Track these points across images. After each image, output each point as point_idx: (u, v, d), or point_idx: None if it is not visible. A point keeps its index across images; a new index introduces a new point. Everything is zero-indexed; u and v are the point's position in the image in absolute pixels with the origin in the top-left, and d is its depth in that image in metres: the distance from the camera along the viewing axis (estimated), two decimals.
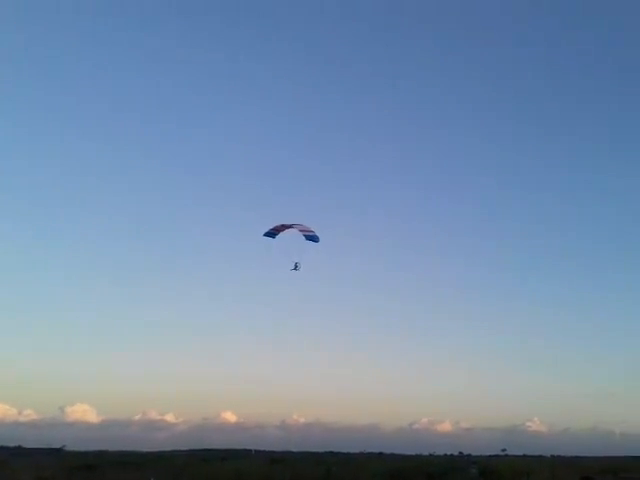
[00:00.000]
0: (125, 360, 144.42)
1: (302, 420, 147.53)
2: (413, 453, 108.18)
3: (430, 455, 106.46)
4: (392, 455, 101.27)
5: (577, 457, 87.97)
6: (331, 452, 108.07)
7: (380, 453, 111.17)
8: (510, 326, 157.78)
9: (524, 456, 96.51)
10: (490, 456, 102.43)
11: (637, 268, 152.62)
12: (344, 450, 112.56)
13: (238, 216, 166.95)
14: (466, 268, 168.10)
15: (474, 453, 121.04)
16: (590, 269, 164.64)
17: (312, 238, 20.01)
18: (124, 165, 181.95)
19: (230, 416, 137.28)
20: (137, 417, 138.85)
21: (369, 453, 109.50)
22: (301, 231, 20.70)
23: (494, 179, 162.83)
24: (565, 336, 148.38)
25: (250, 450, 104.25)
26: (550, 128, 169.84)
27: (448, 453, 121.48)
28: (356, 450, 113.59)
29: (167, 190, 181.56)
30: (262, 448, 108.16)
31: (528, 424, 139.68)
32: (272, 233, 20.61)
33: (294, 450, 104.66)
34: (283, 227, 20.42)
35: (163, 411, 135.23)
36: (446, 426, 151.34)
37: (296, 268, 20.13)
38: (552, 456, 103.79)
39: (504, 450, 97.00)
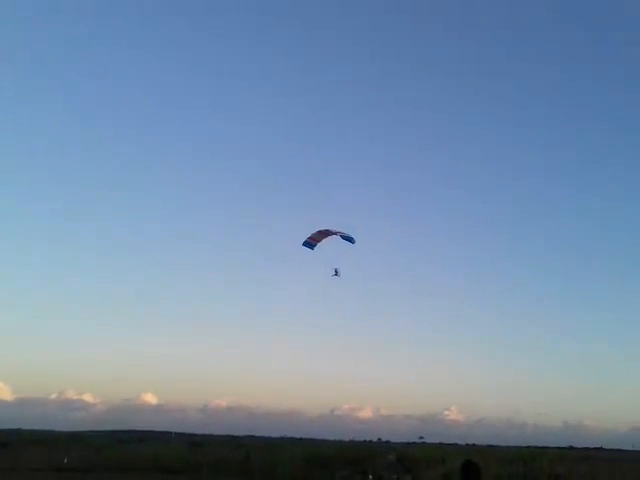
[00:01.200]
0: (43, 339, 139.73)
1: (224, 404, 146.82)
2: (334, 439, 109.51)
3: (350, 441, 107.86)
4: (312, 440, 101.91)
5: (491, 446, 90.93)
6: (252, 436, 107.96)
7: (300, 438, 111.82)
8: (431, 316, 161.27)
9: (440, 444, 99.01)
10: (408, 443, 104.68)
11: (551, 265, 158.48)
12: (265, 434, 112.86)
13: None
14: (387, 257, 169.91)
15: (393, 440, 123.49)
16: (505, 263, 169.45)
17: (349, 239, 19.89)
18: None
19: (151, 398, 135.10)
20: (53, 396, 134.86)
21: (290, 438, 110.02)
22: (339, 234, 20.00)
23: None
24: (483, 328, 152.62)
25: (170, 433, 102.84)
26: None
27: (368, 439, 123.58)
28: (277, 435, 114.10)
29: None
30: (182, 431, 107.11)
31: (446, 413, 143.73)
32: (310, 244, 19.60)
33: (215, 433, 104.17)
34: (320, 234, 19.83)
35: (81, 391, 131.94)
36: (367, 413, 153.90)
37: (337, 274, 19.79)
38: (467, 444, 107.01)
39: (422, 438, 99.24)
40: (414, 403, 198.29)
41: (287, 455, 44.58)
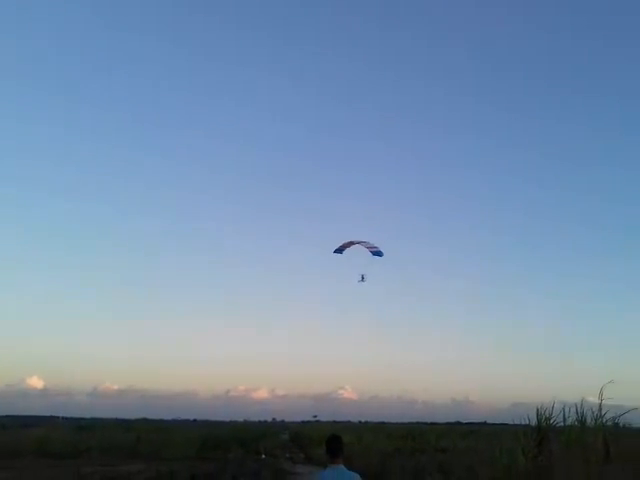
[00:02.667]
0: None
1: (115, 387, 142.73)
2: (228, 420, 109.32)
3: (244, 422, 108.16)
4: (207, 422, 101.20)
5: (383, 423, 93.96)
6: (144, 419, 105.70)
7: (195, 420, 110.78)
8: (322, 295, 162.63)
9: (334, 422, 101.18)
10: (303, 422, 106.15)
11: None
12: (158, 417, 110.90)
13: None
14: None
15: (287, 419, 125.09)
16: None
17: (377, 253, 21.75)
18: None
19: (36, 382, 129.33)
20: None
21: (184, 420, 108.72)
22: (367, 248, 21.80)
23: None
24: (373, 308, 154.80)
25: (57, 417, 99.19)
26: None
27: (262, 420, 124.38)
28: (170, 417, 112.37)
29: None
30: (71, 415, 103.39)
31: (340, 392, 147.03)
32: (340, 250, 21.74)
33: (105, 417, 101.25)
34: (351, 244, 21.77)
35: None
36: (262, 393, 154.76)
37: (363, 279, 22.29)
38: (360, 422, 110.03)
39: (315, 416, 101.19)
40: (309, 383, 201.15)
41: (179, 437, 43.90)
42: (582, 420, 14.07)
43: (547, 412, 14.62)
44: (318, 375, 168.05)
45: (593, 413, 13.69)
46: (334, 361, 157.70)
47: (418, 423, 78.69)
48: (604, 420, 13.55)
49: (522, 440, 13.94)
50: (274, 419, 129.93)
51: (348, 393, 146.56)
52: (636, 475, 9.89)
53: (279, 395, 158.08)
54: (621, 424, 14.20)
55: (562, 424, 14.35)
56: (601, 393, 13.14)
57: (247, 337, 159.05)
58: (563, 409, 14.28)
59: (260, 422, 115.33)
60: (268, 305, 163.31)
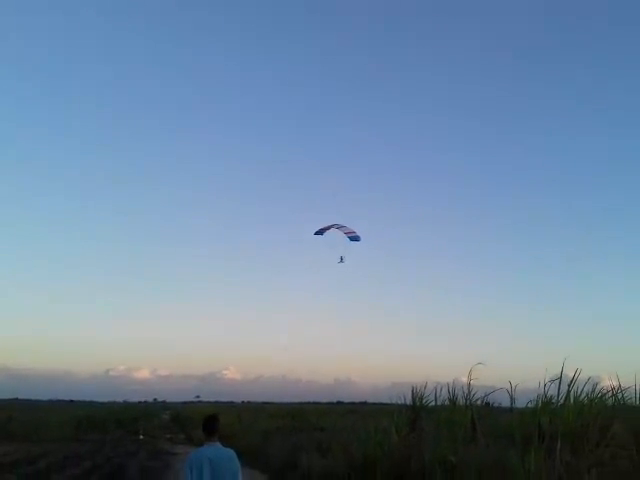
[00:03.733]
0: None
1: None
2: (107, 400, 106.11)
3: (124, 402, 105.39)
4: (84, 402, 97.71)
5: (266, 403, 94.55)
6: (16, 399, 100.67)
7: (71, 401, 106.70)
8: (213, 277, 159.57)
9: (217, 402, 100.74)
10: (185, 403, 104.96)
11: None
12: (32, 397, 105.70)
13: None
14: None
15: (170, 400, 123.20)
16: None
17: (355, 238, 22.49)
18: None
19: None
20: None
21: (59, 401, 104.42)
22: (346, 234, 22.47)
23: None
24: (254, 289, 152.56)
25: None
26: None
27: (143, 400, 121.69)
28: (46, 398, 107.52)
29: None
30: None
31: (224, 372, 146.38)
32: (321, 231, 22.67)
33: None
34: (329, 227, 22.63)
35: None
36: (144, 373, 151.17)
37: (342, 261, 23.18)
38: (243, 402, 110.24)
39: (198, 397, 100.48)
40: (193, 363, 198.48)
41: (55, 418, 41.96)
42: (453, 400, 14.70)
43: (421, 392, 15.22)
44: (202, 356, 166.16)
45: (464, 393, 14.32)
46: (219, 342, 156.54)
47: (301, 403, 79.68)
48: (473, 400, 14.20)
49: (395, 419, 14.35)
50: (155, 399, 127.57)
51: (232, 373, 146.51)
52: (500, 451, 10.38)
53: (162, 375, 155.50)
54: (491, 403, 15.00)
55: (435, 403, 14.95)
56: (470, 374, 13.70)
57: (132, 316, 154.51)
58: (435, 389, 14.82)
59: (140, 403, 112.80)
60: (154, 285, 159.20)
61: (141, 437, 37.47)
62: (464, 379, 14.21)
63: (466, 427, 13.13)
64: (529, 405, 12.01)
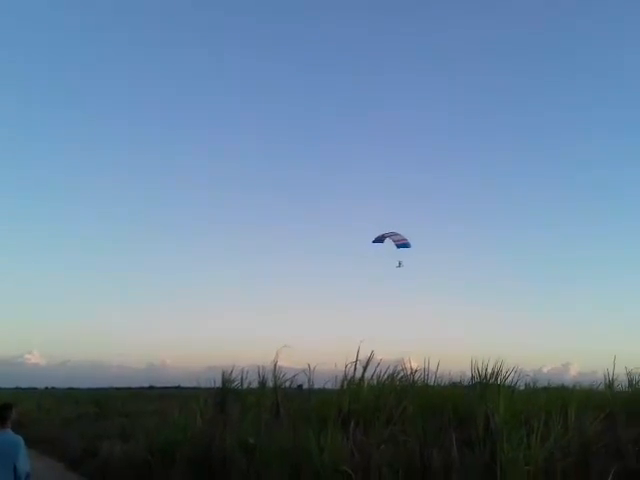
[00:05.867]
0: None
1: None
2: None
3: None
4: None
5: (73, 389, 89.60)
6: None
7: None
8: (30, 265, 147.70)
9: (17, 389, 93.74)
10: None
11: None
12: None
13: None
14: None
15: None
16: None
17: (403, 246, 22.18)
18: None
19: None
20: None
21: None
22: (395, 242, 22.09)
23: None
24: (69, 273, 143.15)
25: None
26: None
27: None
28: None
29: None
30: None
31: (27, 356, 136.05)
32: (380, 239, 22.44)
33: None
34: (384, 236, 22.33)
35: None
36: None
37: (400, 265, 23.03)
38: (47, 388, 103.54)
39: None
40: None
41: None
42: (263, 382, 14.90)
43: (231, 375, 15.27)
44: (2, 339, 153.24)
45: (273, 376, 14.56)
46: (20, 324, 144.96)
47: (111, 388, 76.56)
48: (281, 382, 14.48)
49: (201, 402, 14.24)
50: None
51: (36, 358, 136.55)
52: (300, 431, 10.64)
53: None
54: (302, 385, 15.38)
55: (244, 386, 15.06)
56: (276, 356, 13.98)
57: None
58: (243, 372, 14.96)
59: None
60: None
61: None
62: (280, 362, 14.51)
63: (271, 409, 13.34)
64: (328, 387, 12.53)
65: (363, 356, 12.09)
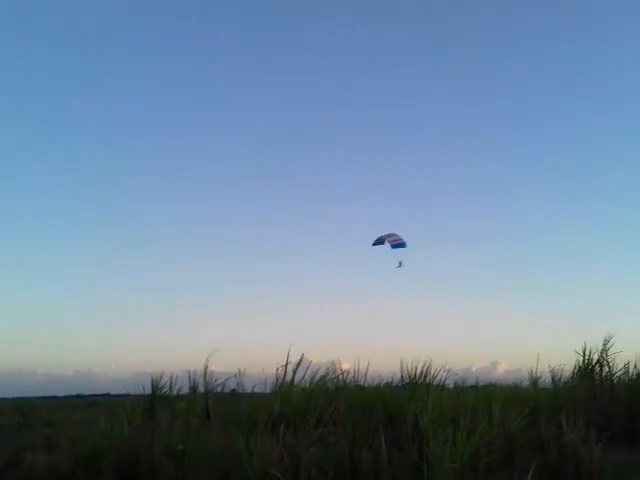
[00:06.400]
0: None
1: None
2: None
3: None
4: None
5: None
6: None
7: None
8: None
9: None
10: None
11: None
12: None
13: None
14: None
15: None
16: None
17: (399, 245, 22.22)
18: None
19: None
20: None
21: None
22: (389, 242, 22.23)
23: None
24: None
25: None
26: None
27: None
28: None
29: None
30: None
31: None
32: (380, 241, 22.47)
33: None
34: (382, 238, 22.35)
35: None
36: None
37: (400, 265, 23.16)
38: None
39: None
40: None
41: None
42: (194, 388, 14.71)
43: (160, 381, 15.04)
44: None
45: (205, 381, 14.41)
46: None
47: (36, 397, 74.01)
48: (213, 387, 14.34)
49: (129, 409, 13.97)
50: None
51: None
52: (230, 436, 10.54)
53: None
54: (230, 390, 15.24)
55: (172, 392, 14.83)
56: (207, 361, 13.89)
57: None
58: (171, 378, 14.80)
59: None
60: None
61: None
62: (213, 366, 14.42)
63: (202, 415, 13.20)
64: (262, 390, 12.48)
65: (295, 358, 12.11)
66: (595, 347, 14.03)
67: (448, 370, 13.02)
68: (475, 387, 16.31)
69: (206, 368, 13.86)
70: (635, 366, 13.75)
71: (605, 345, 13.88)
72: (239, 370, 13.36)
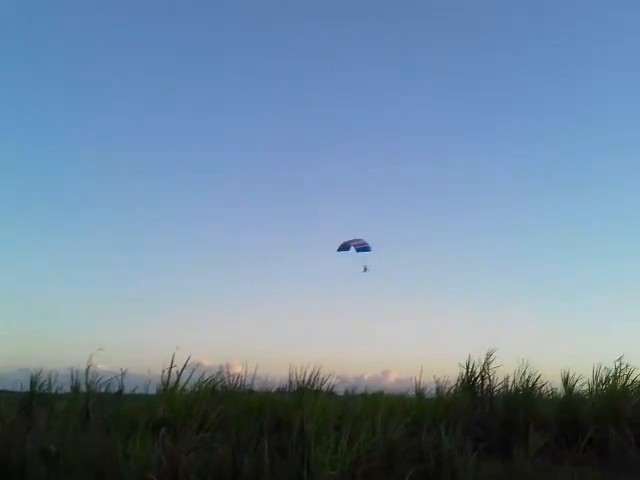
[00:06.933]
0: None
1: None
2: None
3: None
4: None
5: None
6: None
7: None
8: None
9: None
10: None
11: None
12: None
13: None
14: None
15: None
16: None
17: (363, 249, 21.88)
18: None
19: None
20: None
21: None
22: (354, 246, 21.85)
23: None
24: None
25: None
26: None
27: None
28: None
29: None
30: None
31: None
32: (345, 247, 22.13)
33: None
34: (347, 243, 22.06)
35: None
36: None
37: (365, 270, 22.98)
38: None
39: None
40: None
41: None
42: (75, 387, 14.14)
43: (40, 379, 14.44)
44: None
45: (87, 380, 13.89)
46: None
47: None
48: (95, 387, 13.84)
49: (2, 406, 13.27)
50: None
51: None
52: (109, 438, 10.18)
53: None
54: (114, 390, 14.72)
55: (51, 391, 14.24)
56: (90, 360, 13.40)
57: None
58: (51, 375, 14.36)
59: None
60: None
61: None
62: (102, 366, 13.96)
63: (82, 415, 12.71)
64: (149, 392, 12.16)
65: (182, 361, 11.87)
66: (478, 361, 14.53)
67: (339, 377, 13.15)
68: (364, 395, 16.55)
69: (89, 367, 13.31)
70: (514, 380, 14.38)
71: (487, 359, 14.40)
72: (121, 370, 12.90)
